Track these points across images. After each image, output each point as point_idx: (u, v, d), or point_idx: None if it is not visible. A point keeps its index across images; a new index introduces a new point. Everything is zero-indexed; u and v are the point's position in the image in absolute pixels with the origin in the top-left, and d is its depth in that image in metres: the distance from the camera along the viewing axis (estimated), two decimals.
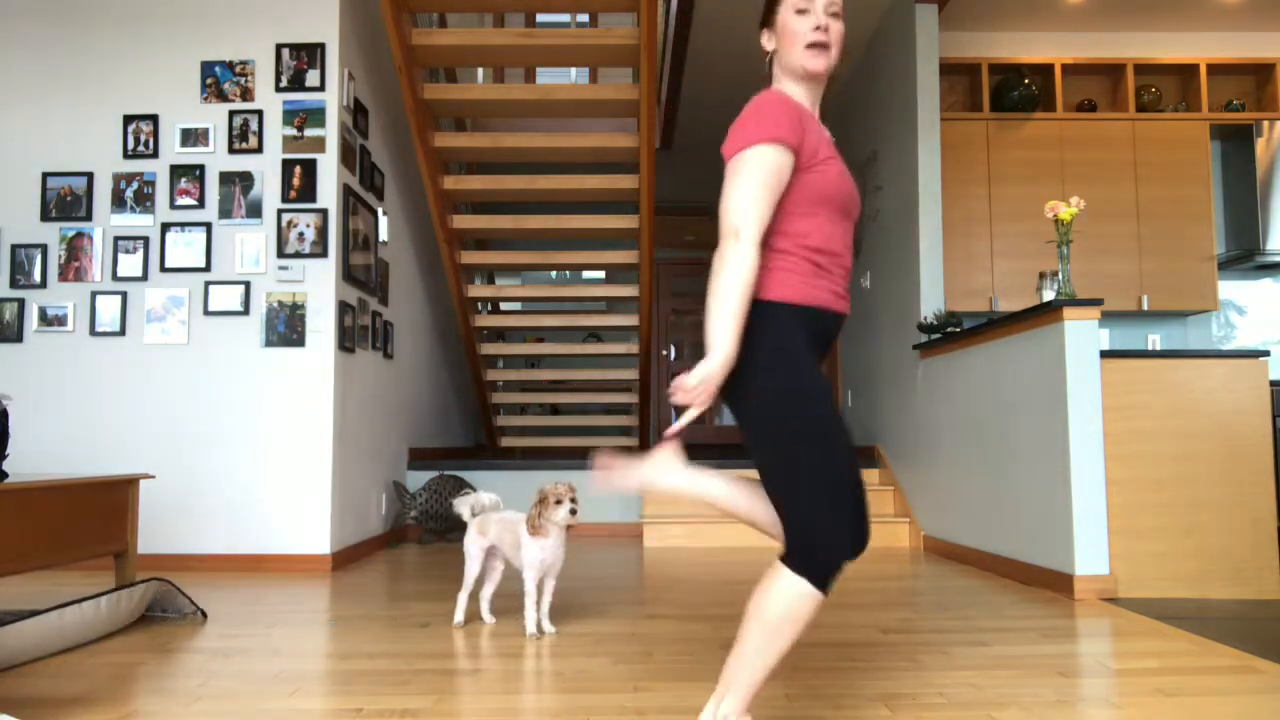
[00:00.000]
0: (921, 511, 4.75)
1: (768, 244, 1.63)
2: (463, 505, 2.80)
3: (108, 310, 4.04)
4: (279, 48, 4.11)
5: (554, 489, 2.58)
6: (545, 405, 8.34)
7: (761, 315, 1.60)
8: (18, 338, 4.05)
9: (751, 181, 1.57)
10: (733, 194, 1.58)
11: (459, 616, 2.80)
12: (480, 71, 6.72)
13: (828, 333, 1.68)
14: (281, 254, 4.02)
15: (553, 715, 1.91)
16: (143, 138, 4.10)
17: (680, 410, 1.61)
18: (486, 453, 6.72)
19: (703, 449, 8.47)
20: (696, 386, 1.55)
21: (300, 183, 4.05)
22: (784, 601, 1.56)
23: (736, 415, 1.66)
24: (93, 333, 4.04)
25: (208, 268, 4.04)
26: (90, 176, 4.10)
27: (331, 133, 4.07)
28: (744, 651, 1.59)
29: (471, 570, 2.77)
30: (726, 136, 1.64)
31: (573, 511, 2.55)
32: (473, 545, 2.77)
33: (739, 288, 1.54)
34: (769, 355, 1.59)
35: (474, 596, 2.95)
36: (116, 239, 4.06)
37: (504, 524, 2.73)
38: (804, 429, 1.57)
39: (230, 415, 4.00)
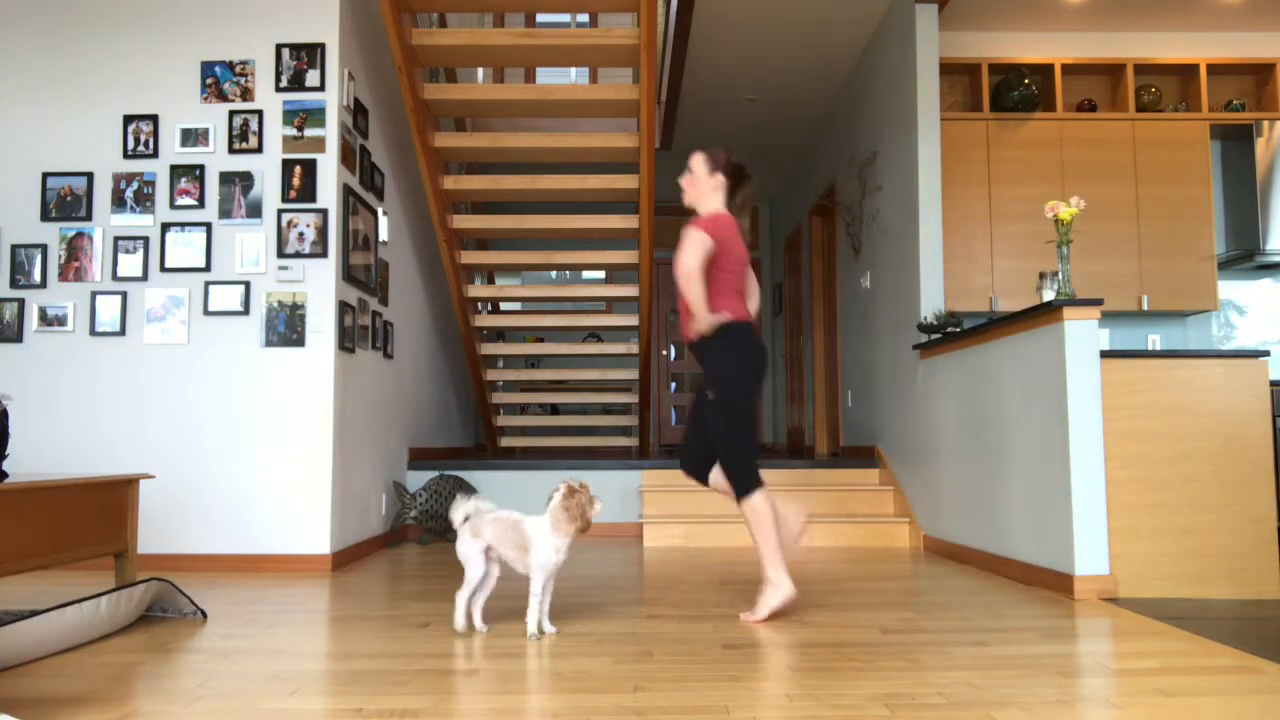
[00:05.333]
0: (921, 511, 4.75)
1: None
2: (456, 512, 2.74)
3: (108, 310, 4.04)
4: (279, 48, 4.11)
5: (580, 485, 2.61)
6: (545, 405, 8.35)
7: None
8: (18, 338, 4.05)
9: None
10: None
11: (459, 617, 2.78)
12: (480, 71, 6.72)
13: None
14: (281, 254, 4.02)
15: (553, 715, 1.91)
16: (143, 138, 4.10)
17: None
18: (486, 453, 6.72)
19: None
20: None
21: (300, 183, 4.05)
22: None
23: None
24: (93, 333, 4.04)
25: (208, 268, 4.04)
26: (90, 176, 4.10)
27: (331, 133, 4.08)
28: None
29: (473, 572, 2.69)
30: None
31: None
32: (468, 548, 2.68)
33: None
34: None
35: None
36: (116, 239, 4.07)
37: (500, 524, 2.65)
38: None
39: (230, 415, 4.00)
